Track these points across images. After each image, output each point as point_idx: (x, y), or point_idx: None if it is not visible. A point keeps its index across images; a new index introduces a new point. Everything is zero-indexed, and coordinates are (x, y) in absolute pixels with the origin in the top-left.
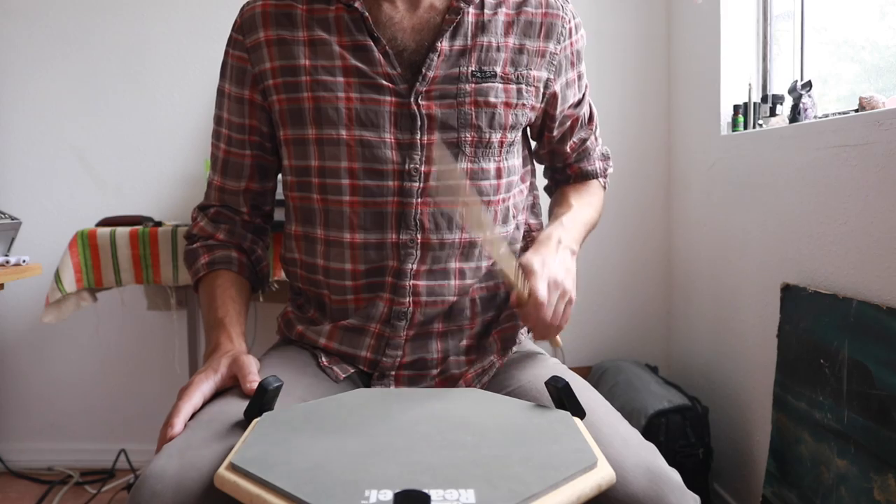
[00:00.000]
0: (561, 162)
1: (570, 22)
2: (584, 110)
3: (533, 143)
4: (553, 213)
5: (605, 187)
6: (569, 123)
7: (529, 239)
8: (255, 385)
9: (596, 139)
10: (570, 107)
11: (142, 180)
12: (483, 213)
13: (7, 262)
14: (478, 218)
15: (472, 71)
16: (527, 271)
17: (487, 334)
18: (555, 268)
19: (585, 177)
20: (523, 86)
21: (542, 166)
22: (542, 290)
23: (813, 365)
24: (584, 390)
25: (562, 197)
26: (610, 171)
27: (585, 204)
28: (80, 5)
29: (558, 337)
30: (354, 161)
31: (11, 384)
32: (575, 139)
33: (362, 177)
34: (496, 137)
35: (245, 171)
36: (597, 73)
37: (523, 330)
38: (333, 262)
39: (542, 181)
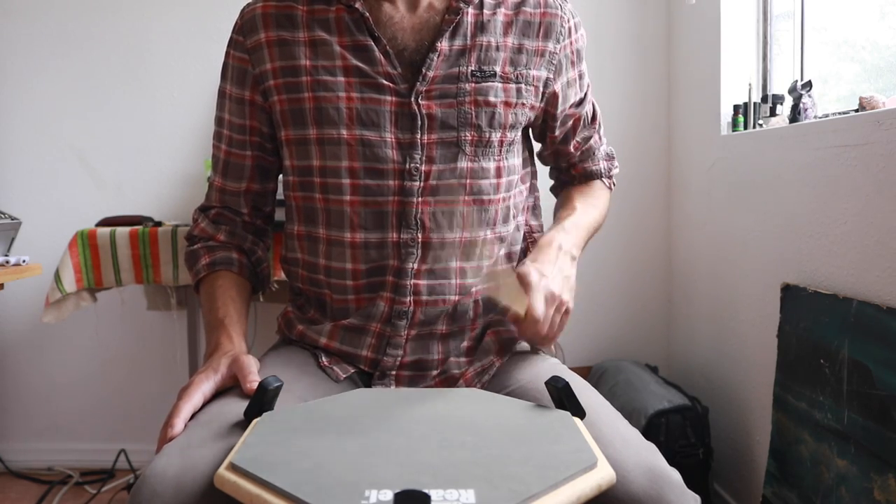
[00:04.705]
0: (565, 162)
1: (569, 21)
2: (587, 109)
3: (537, 146)
4: (556, 217)
5: (611, 188)
6: (571, 123)
7: (530, 240)
8: (255, 385)
9: (600, 138)
10: (571, 106)
11: (142, 180)
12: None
13: (7, 262)
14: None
15: (472, 70)
16: (524, 284)
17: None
18: (552, 279)
19: (590, 177)
20: (523, 85)
21: (548, 167)
22: (538, 307)
23: (813, 365)
24: (584, 390)
25: (566, 199)
26: (615, 171)
27: (590, 206)
28: (80, 5)
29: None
30: (355, 160)
31: (11, 384)
32: (578, 138)
33: (363, 176)
34: (496, 137)
35: (246, 172)
36: (597, 73)
37: None
38: (335, 262)
39: (543, 183)
